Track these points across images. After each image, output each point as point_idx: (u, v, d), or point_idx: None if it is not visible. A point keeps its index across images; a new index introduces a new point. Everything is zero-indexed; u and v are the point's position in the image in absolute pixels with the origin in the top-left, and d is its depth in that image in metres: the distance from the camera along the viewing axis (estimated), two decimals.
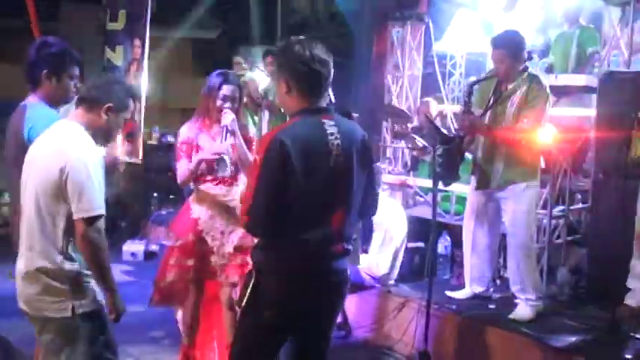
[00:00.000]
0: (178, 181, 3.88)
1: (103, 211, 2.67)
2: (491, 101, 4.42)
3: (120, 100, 2.82)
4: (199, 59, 11.50)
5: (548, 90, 4.37)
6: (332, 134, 2.59)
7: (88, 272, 2.73)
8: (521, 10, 6.96)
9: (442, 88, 7.53)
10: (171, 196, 7.99)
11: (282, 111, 6.67)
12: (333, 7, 10.26)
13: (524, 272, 4.42)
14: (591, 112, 5.36)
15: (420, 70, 7.85)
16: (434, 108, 6.43)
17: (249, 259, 3.22)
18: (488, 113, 4.43)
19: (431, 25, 7.68)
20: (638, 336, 3.95)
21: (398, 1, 7.92)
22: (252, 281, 2.64)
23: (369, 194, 2.83)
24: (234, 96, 3.81)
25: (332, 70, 2.66)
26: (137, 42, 7.99)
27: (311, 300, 2.68)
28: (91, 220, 2.63)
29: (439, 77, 7.57)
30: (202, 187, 3.87)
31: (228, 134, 3.72)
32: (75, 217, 2.63)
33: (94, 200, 2.64)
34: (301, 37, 2.68)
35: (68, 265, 2.70)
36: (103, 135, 2.84)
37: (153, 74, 8.81)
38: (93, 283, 2.76)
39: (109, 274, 2.73)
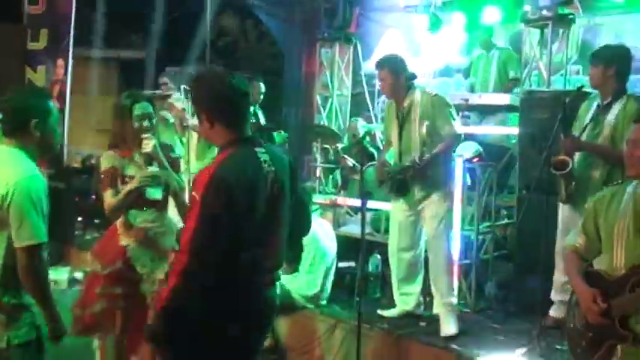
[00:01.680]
0: (107, 213, 3.71)
1: (45, 239, 2.58)
2: (396, 123, 4.56)
3: (41, 110, 2.71)
4: (127, 80, 11.25)
5: (448, 98, 4.57)
6: (265, 162, 2.51)
7: (27, 302, 2.64)
8: (446, 32, 7.15)
9: (371, 108, 7.60)
10: (95, 221, 7.69)
11: None
12: (263, 28, 10.25)
13: (446, 278, 4.53)
14: (514, 130, 5.52)
15: (349, 89, 7.92)
16: (359, 127, 6.46)
17: None
18: (401, 134, 4.55)
19: (359, 45, 7.78)
20: (562, 347, 4.03)
21: (327, 21, 8.02)
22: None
23: (300, 214, 2.80)
24: (149, 113, 3.69)
25: (250, 97, 2.59)
26: (60, 62, 7.79)
27: (239, 331, 2.54)
28: (33, 249, 2.54)
29: (367, 97, 7.65)
30: (131, 212, 3.73)
31: (153, 161, 3.65)
32: (16, 245, 2.54)
33: (37, 228, 2.55)
34: (215, 67, 2.61)
35: (6, 298, 2.60)
36: (42, 150, 2.75)
37: (77, 95, 8.57)
38: (30, 312, 2.66)
39: (51, 302, 2.66)
